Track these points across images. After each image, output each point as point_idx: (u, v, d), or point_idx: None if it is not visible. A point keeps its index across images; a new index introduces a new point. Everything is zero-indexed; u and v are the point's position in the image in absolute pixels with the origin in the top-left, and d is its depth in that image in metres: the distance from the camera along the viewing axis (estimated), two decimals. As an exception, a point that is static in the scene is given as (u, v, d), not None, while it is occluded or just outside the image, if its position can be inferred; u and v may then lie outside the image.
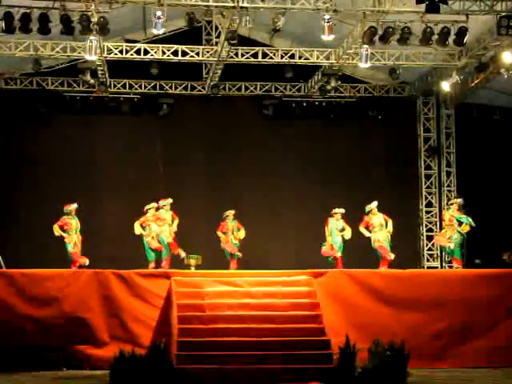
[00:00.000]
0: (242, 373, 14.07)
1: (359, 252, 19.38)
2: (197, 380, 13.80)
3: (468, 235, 19.05)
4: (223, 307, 15.98)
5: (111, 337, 16.30)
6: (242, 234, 19.48)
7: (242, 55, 20.72)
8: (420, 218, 23.64)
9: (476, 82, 21.16)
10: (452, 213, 19.13)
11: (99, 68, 21.13)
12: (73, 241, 18.48)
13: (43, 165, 22.30)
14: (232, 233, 19.45)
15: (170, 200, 18.89)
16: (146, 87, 22.82)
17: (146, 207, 18.86)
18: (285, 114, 23.35)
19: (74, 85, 22.57)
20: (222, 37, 19.51)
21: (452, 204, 19.60)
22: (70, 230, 18.50)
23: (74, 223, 18.57)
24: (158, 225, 18.64)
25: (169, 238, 18.60)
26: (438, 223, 23.18)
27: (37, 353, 15.95)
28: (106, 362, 14.45)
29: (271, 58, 20.86)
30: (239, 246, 19.42)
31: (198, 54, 20.77)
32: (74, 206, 18.67)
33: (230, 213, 19.49)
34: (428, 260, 23.41)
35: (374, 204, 18.93)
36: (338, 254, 18.81)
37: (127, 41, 21.48)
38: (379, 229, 18.78)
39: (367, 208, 18.95)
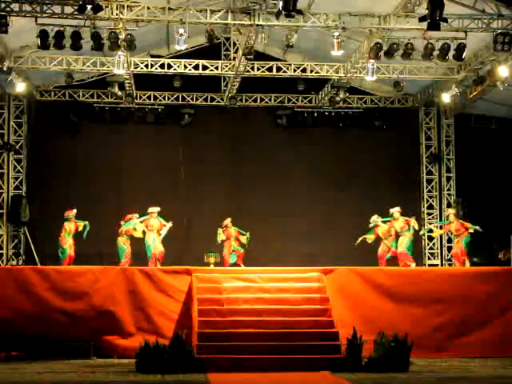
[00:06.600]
0: (256, 362, 14.00)
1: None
2: (215, 368, 13.72)
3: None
4: (240, 301, 15.93)
5: (137, 328, 16.25)
6: (244, 239, 19.57)
7: (258, 69, 20.80)
8: (422, 220, 23.55)
9: (474, 94, 21.09)
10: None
11: (126, 81, 21.23)
12: (68, 243, 18.85)
13: (73, 169, 22.36)
14: (236, 239, 19.56)
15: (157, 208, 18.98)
16: (169, 99, 22.94)
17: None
18: (297, 123, 23.34)
19: (103, 96, 22.71)
20: (240, 52, 19.58)
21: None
22: (69, 233, 18.94)
23: (72, 227, 18.97)
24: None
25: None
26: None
27: (69, 343, 15.91)
28: (132, 351, 14.52)
29: (285, 71, 20.92)
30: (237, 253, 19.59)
31: (217, 68, 20.85)
32: (74, 211, 19.06)
33: (228, 221, 19.66)
34: (429, 258, 23.35)
35: (396, 209, 19.02)
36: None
37: (152, 56, 21.57)
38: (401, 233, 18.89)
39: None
